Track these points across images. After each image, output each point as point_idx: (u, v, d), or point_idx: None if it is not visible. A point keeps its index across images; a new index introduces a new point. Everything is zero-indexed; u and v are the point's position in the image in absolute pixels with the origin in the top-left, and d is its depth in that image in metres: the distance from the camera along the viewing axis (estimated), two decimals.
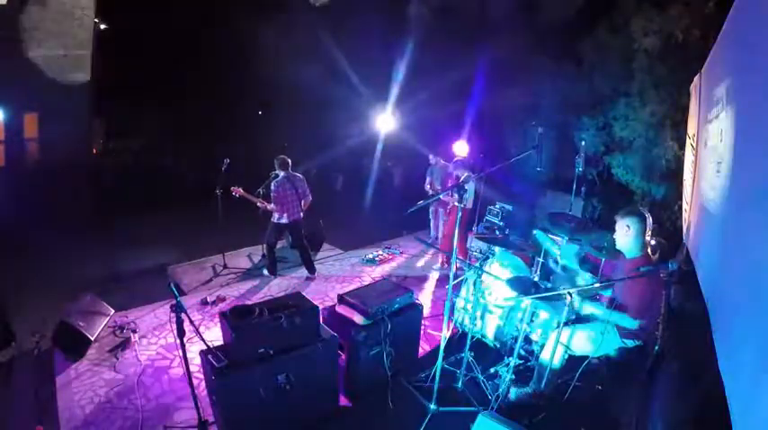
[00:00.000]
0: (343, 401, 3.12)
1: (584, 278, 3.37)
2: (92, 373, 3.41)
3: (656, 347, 2.46)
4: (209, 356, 2.50)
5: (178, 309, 2.24)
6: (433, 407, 2.89)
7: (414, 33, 8.55)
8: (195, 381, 2.38)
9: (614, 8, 6.20)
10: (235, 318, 2.52)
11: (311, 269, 5.45)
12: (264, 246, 5.38)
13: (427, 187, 6.70)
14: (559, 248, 3.36)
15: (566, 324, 2.77)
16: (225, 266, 5.68)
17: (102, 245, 6.25)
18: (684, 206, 4.41)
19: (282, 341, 2.58)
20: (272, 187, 5.00)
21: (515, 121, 7.62)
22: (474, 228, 6.40)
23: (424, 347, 3.79)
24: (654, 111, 5.63)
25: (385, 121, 8.21)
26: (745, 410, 1.52)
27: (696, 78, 4.15)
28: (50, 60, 9.42)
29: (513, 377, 3.05)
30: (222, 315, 2.62)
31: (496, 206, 6.79)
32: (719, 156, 2.59)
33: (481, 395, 3.12)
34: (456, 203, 3.15)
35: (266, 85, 11.82)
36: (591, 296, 3.10)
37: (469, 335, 3.34)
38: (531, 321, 3.33)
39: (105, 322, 3.99)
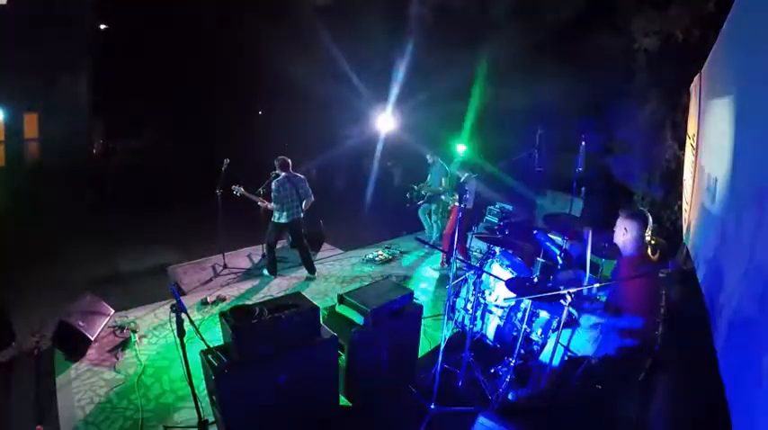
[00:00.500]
0: (344, 401, 3.12)
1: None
2: (92, 373, 3.41)
3: (656, 347, 2.46)
4: (209, 356, 2.50)
5: (178, 309, 2.24)
6: (432, 407, 2.89)
7: (414, 33, 8.55)
8: (195, 381, 2.38)
9: (614, 8, 6.20)
10: (235, 318, 2.52)
11: (311, 269, 5.45)
12: (264, 245, 5.38)
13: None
14: None
15: (566, 324, 2.76)
16: (225, 266, 5.68)
17: (102, 245, 6.24)
18: (684, 206, 4.41)
19: (282, 341, 2.57)
20: (273, 187, 5.00)
21: (515, 122, 7.61)
22: (474, 228, 6.40)
23: (423, 347, 3.79)
24: (654, 111, 5.63)
25: (385, 121, 8.21)
26: (745, 410, 1.52)
27: (696, 78, 4.15)
28: (51, 60, 9.42)
29: (513, 377, 3.05)
30: (222, 315, 2.62)
31: (496, 206, 6.79)
32: (719, 155, 2.59)
33: (481, 395, 3.12)
34: (456, 203, 3.15)
35: (266, 85, 11.82)
36: (590, 304, 3.11)
37: (469, 335, 3.34)
38: (531, 321, 3.33)
39: (105, 322, 3.99)
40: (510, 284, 3.01)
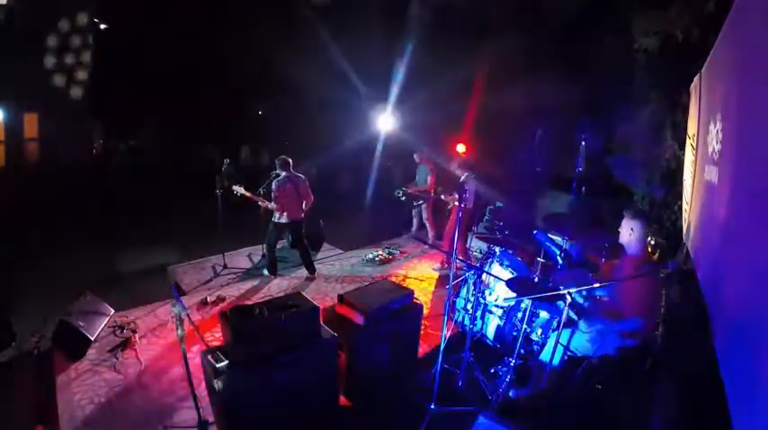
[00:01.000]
0: (343, 401, 3.12)
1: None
2: (92, 373, 3.41)
3: (656, 347, 2.46)
4: (209, 356, 2.50)
5: (178, 309, 2.24)
6: (432, 407, 2.89)
7: (415, 34, 8.56)
8: (195, 381, 2.38)
9: (614, 8, 6.20)
10: (235, 318, 2.52)
11: (311, 269, 5.45)
12: (265, 245, 5.38)
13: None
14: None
15: (565, 324, 2.77)
16: (225, 266, 5.68)
17: (102, 245, 6.24)
18: (684, 206, 4.41)
19: (282, 341, 2.57)
20: (273, 186, 5.00)
21: (516, 122, 7.62)
22: (474, 228, 6.40)
23: (423, 347, 3.79)
24: (654, 111, 5.63)
25: (385, 121, 8.21)
26: (745, 409, 1.52)
27: (696, 78, 4.15)
28: (51, 61, 9.42)
29: (513, 377, 3.05)
30: (222, 315, 2.62)
31: (496, 206, 6.79)
32: (720, 156, 2.59)
33: (481, 395, 3.12)
34: (456, 203, 3.15)
35: (267, 86, 11.82)
36: (590, 304, 3.11)
37: (469, 335, 3.34)
38: (532, 321, 3.33)
39: (105, 322, 3.99)
40: (510, 284, 3.01)
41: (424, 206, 6.86)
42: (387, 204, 8.20)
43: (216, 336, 3.80)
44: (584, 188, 5.72)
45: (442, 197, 6.09)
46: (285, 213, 5.06)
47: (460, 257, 4.94)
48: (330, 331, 2.88)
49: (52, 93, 9.60)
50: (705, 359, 2.11)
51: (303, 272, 5.50)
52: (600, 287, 2.83)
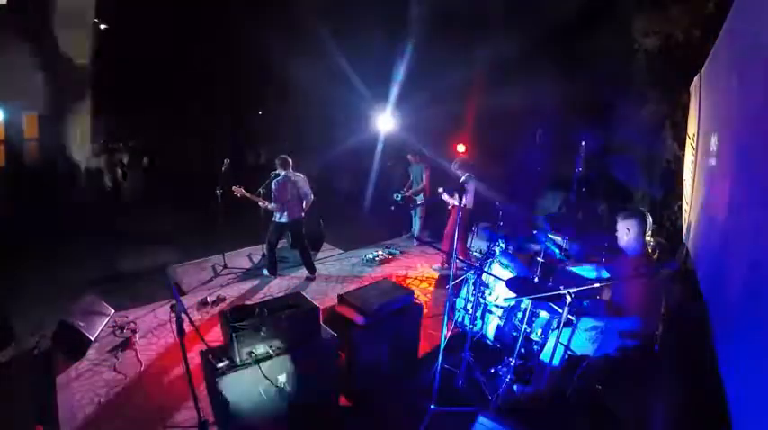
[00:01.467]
0: (343, 401, 3.12)
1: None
2: (92, 373, 3.41)
3: (656, 347, 2.46)
4: (209, 356, 2.50)
5: (178, 309, 2.24)
6: (432, 407, 2.89)
7: (414, 34, 8.56)
8: (195, 381, 2.38)
9: (614, 8, 6.20)
10: (235, 317, 2.52)
11: (311, 269, 5.44)
12: (265, 245, 5.38)
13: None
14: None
15: (565, 324, 2.76)
16: (225, 266, 5.68)
17: (103, 245, 6.24)
18: (684, 206, 4.41)
19: (282, 341, 2.58)
20: (273, 186, 5.00)
21: (516, 122, 7.62)
22: (474, 228, 6.40)
23: (424, 347, 3.79)
24: (654, 111, 5.63)
25: (385, 122, 8.21)
26: (745, 409, 1.52)
27: (696, 78, 4.15)
28: (51, 61, 9.42)
29: (513, 377, 3.05)
30: (222, 315, 2.62)
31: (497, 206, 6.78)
32: (720, 156, 2.59)
33: (481, 395, 3.12)
34: (456, 203, 3.15)
35: (267, 86, 11.82)
36: (589, 303, 3.10)
37: (469, 336, 3.34)
38: (531, 321, 3.33)
39: (105, 322, 3.99)
40: (510, 284, 3.01)
41: (420, 207, 6.92)
42: (387, 204, 8.20)
43: (216, 336, 3.80)
44: (584, 188, 5.72)
45: (443, 197, 6.09)
46: (285, 213, 5.06)
47: (460, 257, 4.94)
48: (330, 331, 2.88)
49: (52, 93, 9.59)
50: (705, 359, 2.11)
51: (303, 272, 5.50)
52: (600, 287, 2.83)
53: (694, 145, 3.96)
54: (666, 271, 2.29)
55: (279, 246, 5.55)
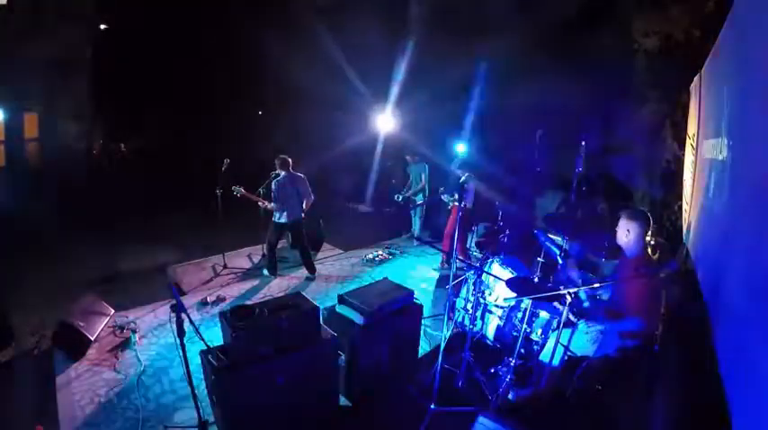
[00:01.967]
0: (343, 401, 3.12)
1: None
2: (92, 373, 3.41)
3: (656, 347, 2.46)
4: (209, 356, 2.50)
5: (178, 309, 2.24)
6: (432, 407, 2.89)
7: (414, 33, 8.55)
8: (195, 381, 2.38)
9: (614, 8, 6.20)
10: (235, 317, 2.52)
11: (311, 269, 5.44)
12: (265, 245, 5.38)
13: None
14: None
15: (565, 324, 2.76)
16: (225, 266, 5.68)
17: (102, 245, 6.24)
18: (684, 206, 4.42)
19: (282, 341, 2.57)
20: (273, 186, 5.00)
21: (515, 122, 7.62)
22: (474, 228, 6.40)
23: (423, 347, 3.79)
24: (654, 111, 5.63)
25: (385, 122, 8.21)
26: (745, 409, 1.52)
27: (696, 78, 4.15)
28: (51, 61, 9.41)
29: (513, 377, 3.05)
30: (222, 315, 2.62)
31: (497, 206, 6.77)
32: (720, 156, 2.59)
33: (481, 395, 3.12)
34: (456, 203, 3.15)
35: (267, 86, 11.82)
36: (590, 305, 3.10)
37: (469, 336, 3.34)
38: (531, 321, 3.33)
39: (105, 322, 3.99)
40: (510, 284, 3.01)
41: (419, 207, 6.93)
42: (387, 204, 8.21)
43: (216, 336, 3.79)
44: (584, 188, 5.72)
45: (443, 197, 6.09)
46: (285, 213, 5.06)
47: (460, 257, 4.94)
48: (330, 331, 2.88)
49: (52, 93, 9.59)
50: (705, 359, 2.11)
51: (303, 272, 5.50)
52: (600, 287, 2.83)
53: (694, 145, 3.96)
54: (666, 271, 2.28)
55: (279, 246, 5.55)
